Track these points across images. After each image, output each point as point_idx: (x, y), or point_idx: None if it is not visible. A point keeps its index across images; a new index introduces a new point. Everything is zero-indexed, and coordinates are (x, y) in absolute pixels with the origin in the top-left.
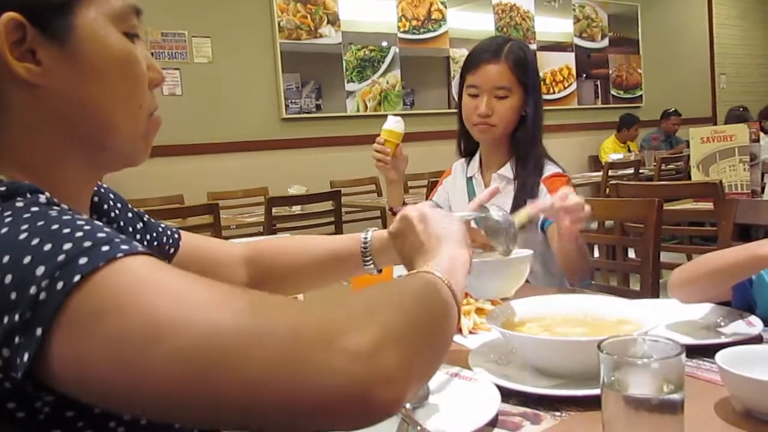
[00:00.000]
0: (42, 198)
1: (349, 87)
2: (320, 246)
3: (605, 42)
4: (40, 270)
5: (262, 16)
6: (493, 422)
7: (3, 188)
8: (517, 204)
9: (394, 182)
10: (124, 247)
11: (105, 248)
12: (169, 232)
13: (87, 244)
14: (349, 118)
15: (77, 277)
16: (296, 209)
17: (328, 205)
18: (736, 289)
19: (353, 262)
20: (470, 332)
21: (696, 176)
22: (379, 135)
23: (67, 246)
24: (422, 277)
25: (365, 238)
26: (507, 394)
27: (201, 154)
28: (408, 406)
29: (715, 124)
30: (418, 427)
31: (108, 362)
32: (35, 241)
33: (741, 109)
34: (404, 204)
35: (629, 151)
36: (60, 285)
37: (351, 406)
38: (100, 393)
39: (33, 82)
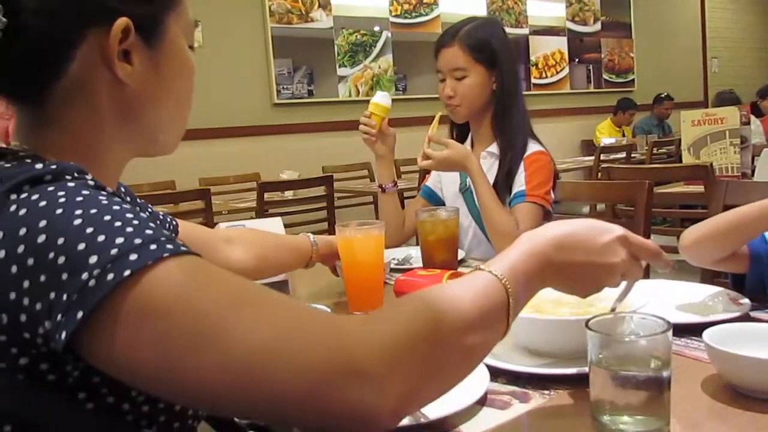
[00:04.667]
0: (89, 179)
1: (340, 72)
2: (278, 237)
3: (598, 26)
4: (93, 259)
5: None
6: (482, 401)
7: (54, 166)
8: (497, 180)
9: (382, 158)
10: (169, 246)
11: (153, 246)
12: (168, 219)
13: (137, 241)
14: (341, 103)
15: (127, 272)
16: (288, 194)
17: (320, 191)
18: (753, 261)
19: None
20: None
21: (687, 159)
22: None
23: (119, 240)
24: (481, 283)
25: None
26: (496, 373)
27: (192, 140)
28: None
29: (707, 108)
30: None
31: (152, 360)
32: (89, 230)
33: (730, 91)
34: (394, 183)
35: (623, 135)
36: (110, 276)
37: (355, 426)
38: (139, 380)
39: (123, 80)
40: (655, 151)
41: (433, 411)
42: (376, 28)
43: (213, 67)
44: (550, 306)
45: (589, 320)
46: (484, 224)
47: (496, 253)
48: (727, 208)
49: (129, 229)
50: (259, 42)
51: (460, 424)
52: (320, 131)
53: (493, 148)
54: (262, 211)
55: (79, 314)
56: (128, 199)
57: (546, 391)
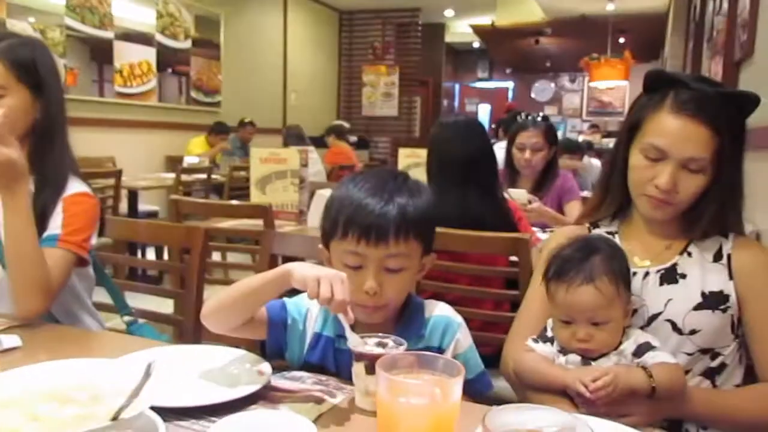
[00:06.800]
0: None
1: None
2: None
3: (188, 43)
4: None
5: None
6: None
7: None
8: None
9: None
10: None
11: None
12: None
13: None
14: None
15: None
16: None
17: None
18: (270, 327)
19: None
20: None
21: (254, 195)
22: None
23: None
24: None
25: None
26: None
27: None
28: None
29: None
30: None
31: None
32: None
33: (296, 126)
34: None
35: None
36: None
37: None
38: None
39: None
40: (235, 174)
41: None
42: None
43: None
44: (51, 407)
45: None
46: (8, 267)
47: (17, 308)
48: (275, 256)
49: None
50: None
51: None
52: None
53: (30, 184)
54: None
55: None
56: None
57: None
